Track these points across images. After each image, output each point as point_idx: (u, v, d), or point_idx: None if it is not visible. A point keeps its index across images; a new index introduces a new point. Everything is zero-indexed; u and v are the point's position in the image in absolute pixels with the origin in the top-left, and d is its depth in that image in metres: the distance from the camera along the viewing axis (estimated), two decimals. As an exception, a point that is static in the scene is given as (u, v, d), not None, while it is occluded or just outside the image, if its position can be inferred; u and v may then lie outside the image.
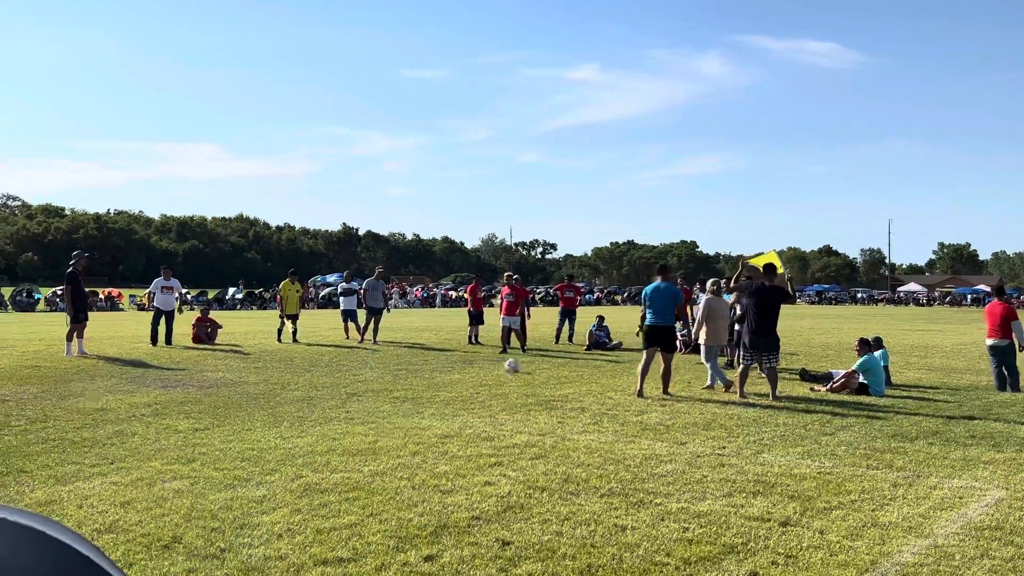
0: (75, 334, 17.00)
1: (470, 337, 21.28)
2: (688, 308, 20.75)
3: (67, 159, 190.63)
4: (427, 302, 58.47)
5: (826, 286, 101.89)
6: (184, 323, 20.83)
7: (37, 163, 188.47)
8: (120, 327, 26.66)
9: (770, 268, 12.68)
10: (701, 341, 13.04)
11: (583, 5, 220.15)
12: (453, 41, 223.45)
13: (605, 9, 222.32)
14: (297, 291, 21.55)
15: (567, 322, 22.33)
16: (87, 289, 20.00)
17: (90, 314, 18.16)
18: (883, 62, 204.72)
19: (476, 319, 21.35)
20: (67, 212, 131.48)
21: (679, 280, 21.89)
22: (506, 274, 21.85)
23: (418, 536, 5.29)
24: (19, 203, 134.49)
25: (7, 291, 46.52)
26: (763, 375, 12.45)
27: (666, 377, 12.22)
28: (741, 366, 12.39)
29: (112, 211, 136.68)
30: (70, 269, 17.51)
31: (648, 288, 12.49)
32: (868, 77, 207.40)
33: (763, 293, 12.22)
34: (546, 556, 4.96)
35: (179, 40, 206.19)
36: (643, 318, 12.65)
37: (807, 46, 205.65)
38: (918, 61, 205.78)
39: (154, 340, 19.01)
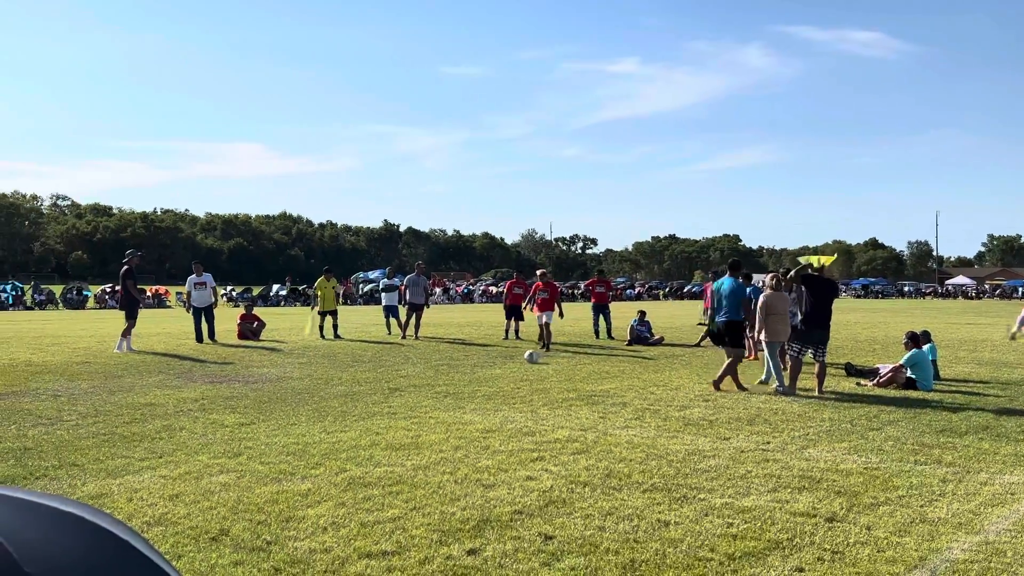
0: (130, 331, 17.42)
1: (506, 332, 21.22)
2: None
3: (115, 159, 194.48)
4: (467, 298, 58.64)
5: (872, 279, 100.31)
6: (229, 320, 21.12)
7: (86, 164, 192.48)
8: (167, 324, 27.11)
9: (818, 266, 12.54)
10: (760, 338, 12.62)
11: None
12: (492, 37, 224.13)
13: (645, 2, 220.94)
14: (333, 287, 21.79)
15: (602, 317, 22.18)
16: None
17: (138, 311, 18.45)
18: (930, 51, 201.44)
19: (514, 314, 21.30)
20: (115, 211, 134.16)
21: (711, 276, 21.93)
22: (540, 272, 21.11)
23: (461, 530, 5.32)
24: (68, 203, 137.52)
25: (58, 289, 47.57)
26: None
27: (725, 372, 12.25)
28: (791, 359, 12.08)
29: (159, 210, 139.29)
30: (125, 267, 17.91)
31: (715, 284, 12.91)
32: (915, 67, 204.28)
33: (819, 283, 12.06)
34: (589, 551, 4.96)
35: (222, 40, 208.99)
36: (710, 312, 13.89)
37: (852, 36, 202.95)
38: (966, 50, 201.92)
39: (199, 338, 19.16)
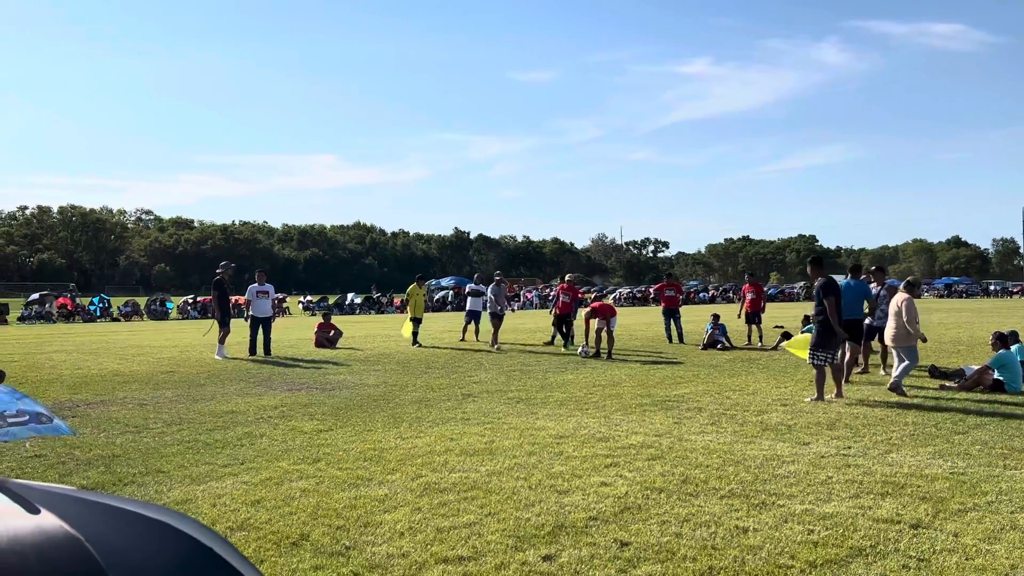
0: (224, 338, 17.97)
1: (565, 340, 20.74)
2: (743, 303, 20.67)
3: (195, 174, 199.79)
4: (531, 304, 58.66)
5: (956, 279, 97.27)
6: (307, 329, 21.48)
7: (168, 179, 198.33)
8: (246, 333, 27.70)
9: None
10: (889, 342, 12.03)
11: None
12: (560, 42, 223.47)
13: (715, 1, 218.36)
14: (423, 295, 21.88)
15: (672, 322, 21.90)
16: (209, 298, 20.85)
17: (230, 320, 18.89)
18: (1015, 42, 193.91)
19: (565, 323, 20.74)
20: (196, 224, 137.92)
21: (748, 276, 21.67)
22: (594, 292, 21.05)
23: (536, 536, 5.32)
24: (152, 217, 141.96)
25: (142, 300, 49.08)
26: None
27: (849, 366, 13.14)
28: (815, 367, 11.52)
29: (237, 222, 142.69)
30: (217, 278, 18.44)
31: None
32: (998, 58, 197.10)
33: (833, 286, 11.71)
34: (666, 557, 4.91)
35: (295, 54, 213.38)
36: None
37: (931, 29, 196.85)
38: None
39: (252, 350, 18.63)
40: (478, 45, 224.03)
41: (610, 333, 18.06)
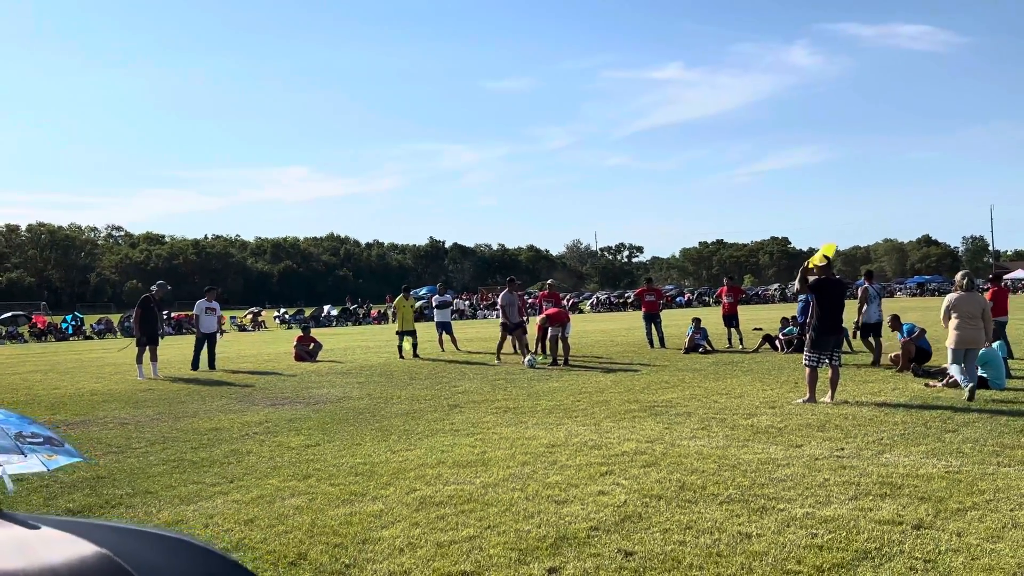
0: (146, 357, 17.51)
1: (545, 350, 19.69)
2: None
3: (166, 188, 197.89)
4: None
5: (927, 277, 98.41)
6: (286, 342, 21.28)
7: (138, 194, 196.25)
8: (222, 348, 27.43)
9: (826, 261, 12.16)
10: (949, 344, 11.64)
11: (663, 3, 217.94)
12: (532, 50, 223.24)
13: (685, 6, 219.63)
14: (412, 307, 21.61)
15: (653, 327, 21.92)
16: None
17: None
18: (981, 41, 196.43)
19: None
20: (167, 239, 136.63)
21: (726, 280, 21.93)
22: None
23: (538, 548, 5.24)
24: (122, 233, 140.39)
25: (115, 318, 48.50)
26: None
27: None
28: (807, 368, 11.52)
29: (209, 236, 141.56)
30: (145, 295, 17.96)
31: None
32: (966, 58, 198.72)
33: (828, 287, 11.64)
34: (672, 566, 4.84)
35: (265, 67, 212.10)
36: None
37: (899, 30, 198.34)
38: (1017, 38, 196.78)
39: (195, 365, 18.72)
40: (450, 54, 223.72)
41: (565, 340, 18.01)
